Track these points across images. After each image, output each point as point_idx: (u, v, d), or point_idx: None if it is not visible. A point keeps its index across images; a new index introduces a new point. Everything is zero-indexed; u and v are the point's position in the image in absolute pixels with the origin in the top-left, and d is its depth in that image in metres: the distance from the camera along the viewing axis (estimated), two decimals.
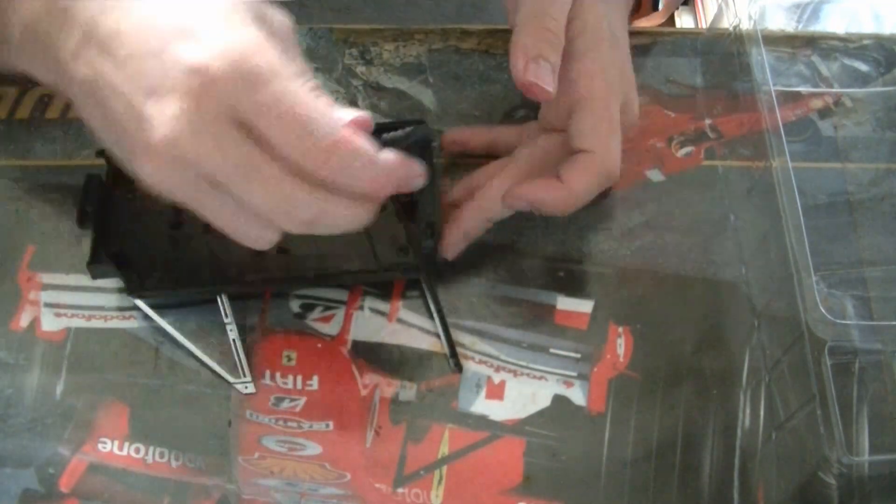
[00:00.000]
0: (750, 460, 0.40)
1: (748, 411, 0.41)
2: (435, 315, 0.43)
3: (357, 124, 0.32)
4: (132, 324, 0.43)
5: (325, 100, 0.31)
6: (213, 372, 0.42)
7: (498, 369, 0.43)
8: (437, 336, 0.43)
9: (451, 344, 0.43)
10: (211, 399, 0.42)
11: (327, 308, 0.44)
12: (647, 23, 1.07)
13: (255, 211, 0.32)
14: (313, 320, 0.44)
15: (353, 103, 0.50)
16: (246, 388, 0.42)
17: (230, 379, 0.42)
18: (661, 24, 1.11)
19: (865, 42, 0.52)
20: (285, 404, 0.42)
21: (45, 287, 0.44)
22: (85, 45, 0.32)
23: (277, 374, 0.42)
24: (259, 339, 0.43)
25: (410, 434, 0.41)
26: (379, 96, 0.50)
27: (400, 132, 0.37)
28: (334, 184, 0.32)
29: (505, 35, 0.52)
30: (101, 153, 0.43)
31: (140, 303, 0.43)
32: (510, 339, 0.43)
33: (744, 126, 0.49)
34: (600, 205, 0.46)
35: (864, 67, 0.52)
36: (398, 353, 0.43)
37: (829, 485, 0.40)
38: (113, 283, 0.44)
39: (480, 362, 0.43)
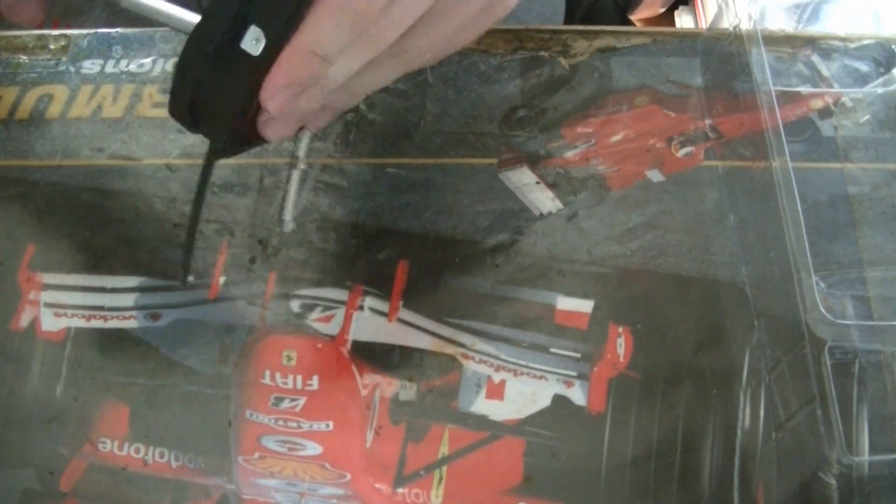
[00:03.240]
0: (750, 460, 0.40)
1: (748, 411, 0.41)
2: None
3: None
4: (132, 324, 0.44)
5: None
6: None
7: (498, 369, 0.43)
8: (438, 336, 0.43)
9: (190, 250, 0.38)
10: (211, 399, 0.42)
11: (327, 308, 0.44)
12: (647, 12, 1.06)
13: None
14: (313, 320, 0.44)
15: None
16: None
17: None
18: (661, 24, 1.11)
19: (865, 42, 0.52)
20: (285, 404, 0.42)
21: (46, 287, 0.44)
22: None
23: (277, 374, 0.42)
24: (259, 339, 0.43)
25: (410, 434, 0.41)
26: (379, 96, 0.50)
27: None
28: None
29: (505, 35, 0.52)
30: None
31: None
32: (510, 339, 0.43)
33: (744, 126, 0.49)
34: (600, 204, 0.46)
35: (864, 67, 0.51)
36: (398, 353, 0.43)
37: (829, 485, 0.40)
38: (113, 282, 0.44)
39: (480, 362, 0.43)
